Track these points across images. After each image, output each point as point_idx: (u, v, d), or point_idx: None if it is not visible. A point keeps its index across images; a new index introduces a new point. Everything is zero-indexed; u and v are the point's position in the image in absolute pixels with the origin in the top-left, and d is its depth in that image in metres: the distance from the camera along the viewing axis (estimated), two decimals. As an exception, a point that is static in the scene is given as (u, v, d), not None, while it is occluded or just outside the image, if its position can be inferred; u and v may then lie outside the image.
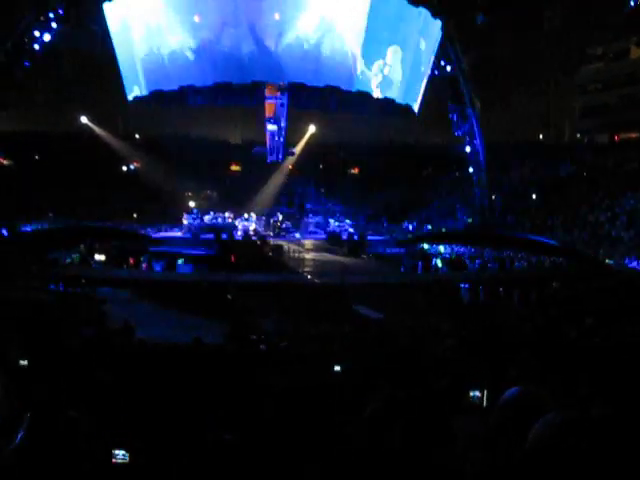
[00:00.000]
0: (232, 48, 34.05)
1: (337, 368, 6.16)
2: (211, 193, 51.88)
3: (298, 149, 51.14)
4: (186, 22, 34.31)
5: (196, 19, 34.26)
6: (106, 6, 35.70)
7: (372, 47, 35.94)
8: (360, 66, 36.03)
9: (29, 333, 10.35)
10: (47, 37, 36.23)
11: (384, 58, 36.76)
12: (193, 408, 4.83)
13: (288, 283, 26.54)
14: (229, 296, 25.16)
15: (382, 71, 36.95)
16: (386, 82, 37.44)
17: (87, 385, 4.22)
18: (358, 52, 35.61)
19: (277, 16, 33.92)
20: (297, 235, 38.14)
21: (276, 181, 49.34)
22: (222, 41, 34.05)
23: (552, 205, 43.54)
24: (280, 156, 47.12)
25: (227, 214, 40.85)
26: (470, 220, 44.21)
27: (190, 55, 34.75)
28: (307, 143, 51.26)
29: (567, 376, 6.11)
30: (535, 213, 43.51)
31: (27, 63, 36.91)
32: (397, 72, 37.61)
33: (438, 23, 37.87)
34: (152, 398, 5.27)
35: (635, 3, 34.90)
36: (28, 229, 36.98)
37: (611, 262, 31.63)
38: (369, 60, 36.29)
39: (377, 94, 37.44)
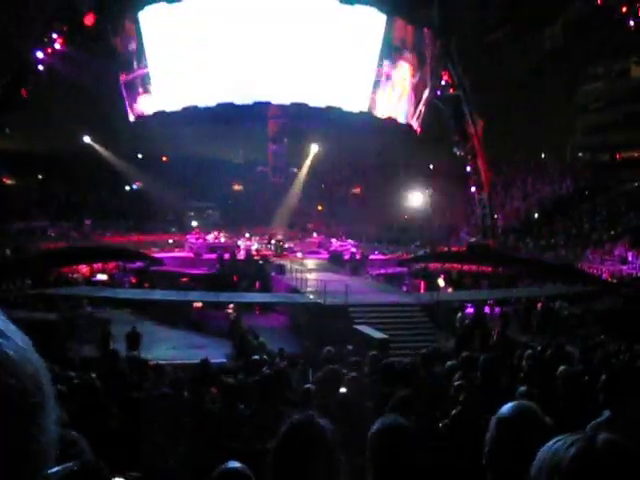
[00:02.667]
0: (236, 69, 34.27)
1: (342, 390, 6.15)
2: (213, 212, 52.00)
3: (303, 170, 51.29)
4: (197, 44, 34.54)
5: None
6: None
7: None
8: (363, 86, 36.28)
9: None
10: (51, 58, 36.52)
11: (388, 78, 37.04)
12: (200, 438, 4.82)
13: (290, 303, 26.52)
14: (231, 316, 25.14)
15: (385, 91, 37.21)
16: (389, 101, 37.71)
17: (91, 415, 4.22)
18: (363, 72, 35.90)
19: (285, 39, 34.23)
20: (299, 255, 38.06)
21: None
22: (227, 62, 34.27)
23: (554, 224, 43.54)
24: (283, 176, 47.22)
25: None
26: (473, 239, 44.14)
27: (195, 76, 34.97)
28: (312, 163, 51.47)
29: (573, 396, 6.10)
30: (537, 232, 43.49)
31: (31, 83, 37.21)
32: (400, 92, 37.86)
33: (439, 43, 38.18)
34: (155, 427, 5.27)
35: (635, 22, 35.08)
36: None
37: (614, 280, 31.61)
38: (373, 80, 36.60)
39: (380, 114, 37.64)
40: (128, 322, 23.92)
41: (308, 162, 51.96)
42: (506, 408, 2.39)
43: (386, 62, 36.71)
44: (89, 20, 36.00)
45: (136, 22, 35.42)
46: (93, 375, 8.04)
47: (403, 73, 37.72)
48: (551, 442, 1.42)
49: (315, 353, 14.99)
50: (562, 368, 7.03)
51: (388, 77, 37.21)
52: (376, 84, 36.92)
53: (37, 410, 0.72)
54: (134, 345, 22.70)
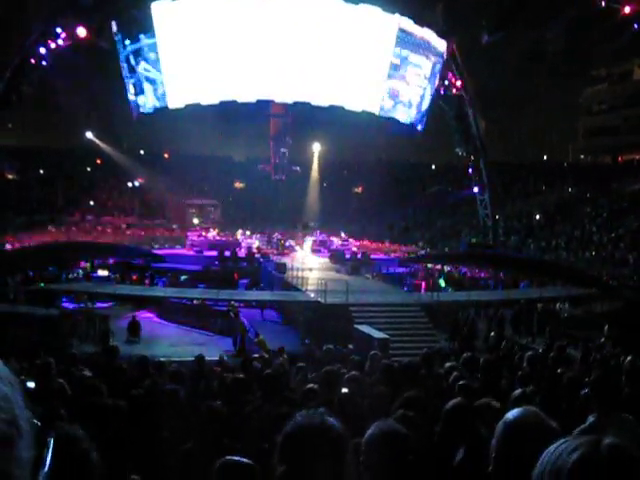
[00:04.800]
0: (239, 67, 34.18)
1: (344, 390, 6.13)
2: (214, 210, 52.02)
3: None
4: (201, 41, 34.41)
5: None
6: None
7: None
8: (367, 86, 36.17)
9: (36, 352, 10.35)
10: (53, 53, 36.48)
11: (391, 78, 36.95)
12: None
13: (290, 302, 26.47)
14: (231, 313, 25.10)
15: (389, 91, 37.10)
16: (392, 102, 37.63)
17: (94, 412, 4.20)
18: (373, 71, 35.84)
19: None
20: (300, 253, 38.03)
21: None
22: (230, 60, 34.17)
23: (556, 225, 43.56)
24: (284, 174, 47.21)
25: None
26: (474, 240, 44.11)
27: (199, 73, 34.87)
28: (319, 162, 51.75)
29: (573, 399, 6.08)
30: (539, 233, 43.50)
31: (34, 79, 37.22)
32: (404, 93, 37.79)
33: (443, 43, 38.05)
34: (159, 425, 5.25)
35: (638, 25, 35.04)
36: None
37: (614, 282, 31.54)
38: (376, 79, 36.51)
39: (381, 114, 37.53)
40: (128, 318, 24.06)
41: (315, 161, 52.11)
42: (512, 414, 2.37)
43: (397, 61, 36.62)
44: (82, 32, 36.01)
45: (141, 19, 35.16)
46: (88, 374, 8.03)
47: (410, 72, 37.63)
48: (554, 446, 1.41)
49: (315, 352, 15.00)
50: (564, 370, 7.02)
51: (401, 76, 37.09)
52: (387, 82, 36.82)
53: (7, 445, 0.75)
54: (134, 333, 22.96)
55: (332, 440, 1.99)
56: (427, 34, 36.99)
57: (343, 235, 41.03)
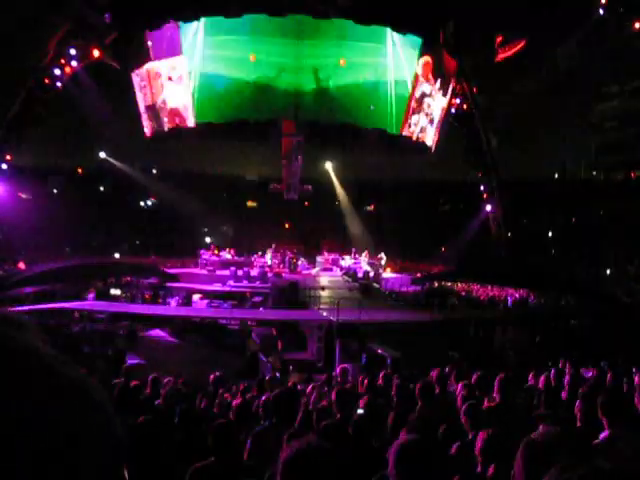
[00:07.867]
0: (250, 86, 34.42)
1: (360, 411, 6.08)
2: (227, 229, 52.02)
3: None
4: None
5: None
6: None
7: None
8: (381, 104, 36.34)
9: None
10: (68, 73, 36.80)
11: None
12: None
13: (302, 320, 26.41)
14: (242, 333, 25.10)
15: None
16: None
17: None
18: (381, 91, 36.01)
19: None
20: (313, 272, 37.96)
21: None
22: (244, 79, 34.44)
23: (569, 242, 43.36)
24: (296, 193, 47.27)
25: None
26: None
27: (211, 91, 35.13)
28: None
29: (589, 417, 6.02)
30: (551, 250, 43.31)
31: (48, 99, 37.54)
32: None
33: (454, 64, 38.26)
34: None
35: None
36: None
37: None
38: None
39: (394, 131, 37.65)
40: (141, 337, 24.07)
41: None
42: (535, 433, 2.36)
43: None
44: (96, 53, 36.48)
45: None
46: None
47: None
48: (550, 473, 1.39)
49: (328, 371, 14.94)
50: (580, 389, 6.94)
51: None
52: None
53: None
54: (131, 342, 23.19)
55: (328, 464, 1.99)
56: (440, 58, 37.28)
57: (355, 253, 40.66)
